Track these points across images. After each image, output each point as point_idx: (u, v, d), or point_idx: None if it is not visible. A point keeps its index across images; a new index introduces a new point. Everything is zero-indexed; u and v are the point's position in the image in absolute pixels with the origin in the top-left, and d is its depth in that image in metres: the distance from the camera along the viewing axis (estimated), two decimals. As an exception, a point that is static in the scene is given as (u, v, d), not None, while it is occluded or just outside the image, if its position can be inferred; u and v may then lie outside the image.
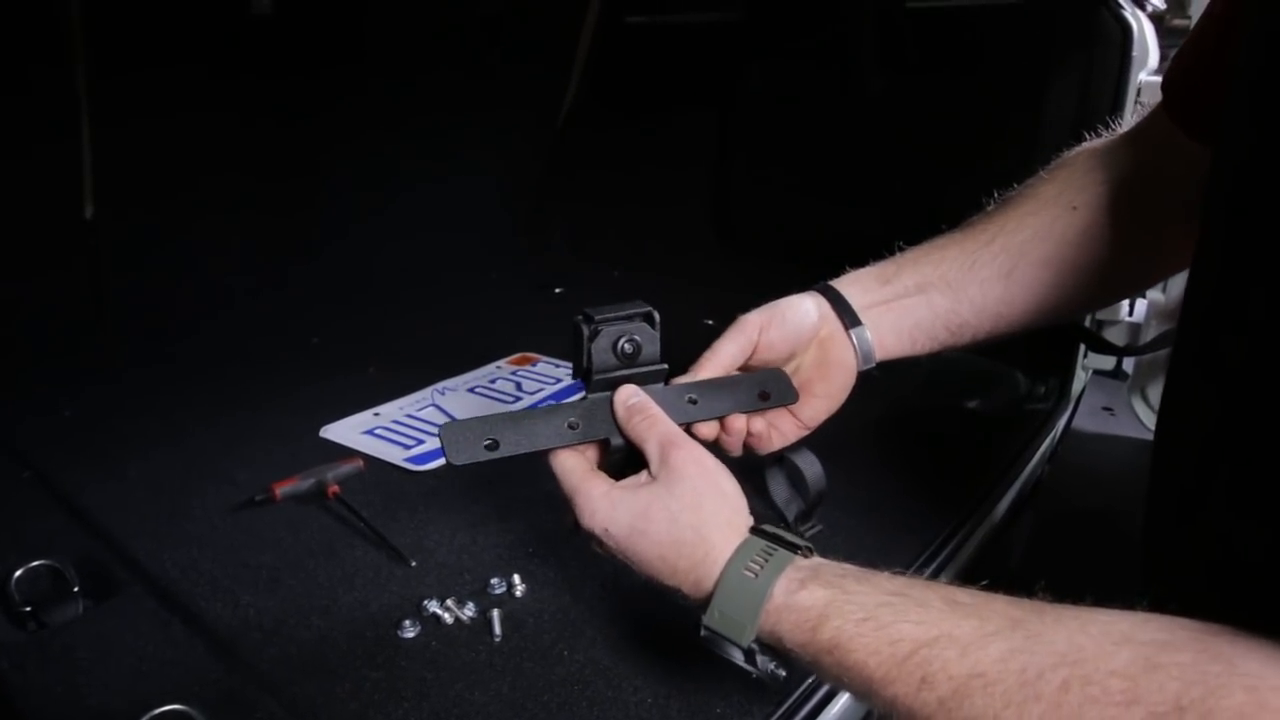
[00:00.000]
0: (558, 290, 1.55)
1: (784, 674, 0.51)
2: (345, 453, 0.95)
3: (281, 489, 0.86)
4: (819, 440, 0.82)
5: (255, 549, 0.79)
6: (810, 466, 0.81)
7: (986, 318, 0.69)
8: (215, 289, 1.23)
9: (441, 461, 0.95)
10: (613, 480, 0.57)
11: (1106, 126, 0.75)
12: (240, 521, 0.83)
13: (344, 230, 1.36)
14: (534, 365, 1.23)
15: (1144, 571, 0.60)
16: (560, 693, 0.63)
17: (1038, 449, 1.07)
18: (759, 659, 0.51)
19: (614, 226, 1.65)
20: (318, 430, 1.02)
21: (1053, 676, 0.40)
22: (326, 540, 0.81)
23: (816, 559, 0.52)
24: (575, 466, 0.58)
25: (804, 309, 0.68)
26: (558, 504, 0.59)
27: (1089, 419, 1.17)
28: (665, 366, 0.62)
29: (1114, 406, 1.20)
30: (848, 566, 0.51)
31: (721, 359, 0.66)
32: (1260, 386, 0.44)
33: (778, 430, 0.69)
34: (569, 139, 1.59)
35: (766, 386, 0.65)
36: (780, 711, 0.62)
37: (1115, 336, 1.16)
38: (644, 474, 0.56)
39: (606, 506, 0.55)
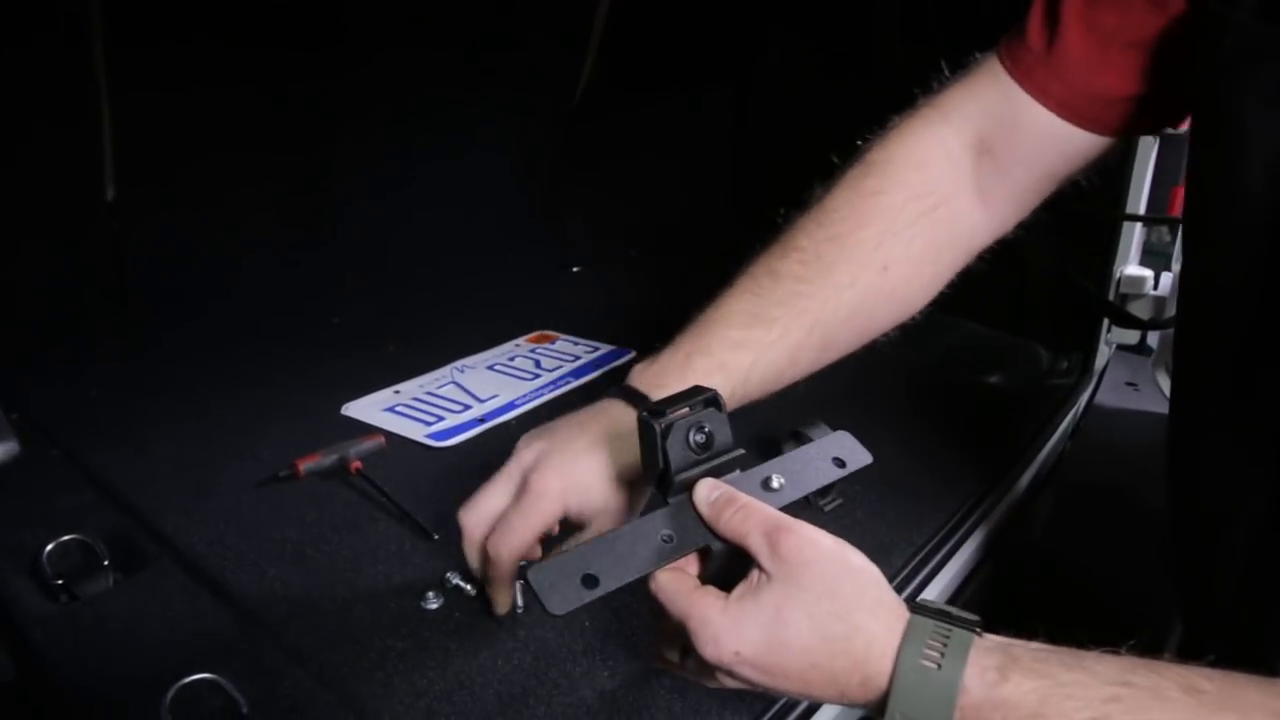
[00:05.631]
0: (575, 269, 1.55)
1: None
2: (366, 429, 0.96)
3: (304, 465, 0.87)
4: (838, 414, 0.81)
5: (280, 523, 0.80)
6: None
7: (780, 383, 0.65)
8: (234, 267, 1.23)
9: (462, 438, 0.96)
10: (724, 593, 0.47)
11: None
12: (265, 497, 0.84)
13: (361, 207, 1.36)
14: (553, 343, 1.23)
15: (1171, 542, 0.59)
16: (583, 663, 0.64)
17: (1059, 424, 1.06)
18: None
19: (631, 205, 1.64)
20: (339, 407, 1.02)
21: None
22: (350, 515, 0.82)
23: (998, 637, 0.44)
24: (681, 587, 0.48)
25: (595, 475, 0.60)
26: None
27: (1112, 394, 1.16)
28: (742, 452, 0.53)
29: (1138, 381, 1.18)
30: (1040, 646, 0.43)
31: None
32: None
33: None
34: (585, 115, 1.58)
35: (839, 452, 0.57)
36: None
37: (1140, 310, 1.15)
38: (754, 574, 0.47)
39: (730, 625, 0.45)
